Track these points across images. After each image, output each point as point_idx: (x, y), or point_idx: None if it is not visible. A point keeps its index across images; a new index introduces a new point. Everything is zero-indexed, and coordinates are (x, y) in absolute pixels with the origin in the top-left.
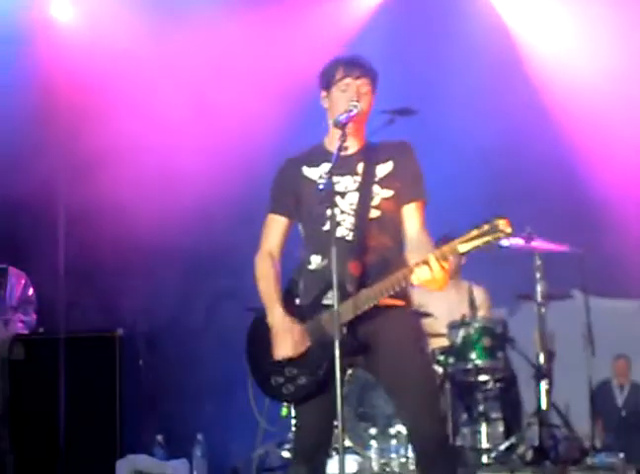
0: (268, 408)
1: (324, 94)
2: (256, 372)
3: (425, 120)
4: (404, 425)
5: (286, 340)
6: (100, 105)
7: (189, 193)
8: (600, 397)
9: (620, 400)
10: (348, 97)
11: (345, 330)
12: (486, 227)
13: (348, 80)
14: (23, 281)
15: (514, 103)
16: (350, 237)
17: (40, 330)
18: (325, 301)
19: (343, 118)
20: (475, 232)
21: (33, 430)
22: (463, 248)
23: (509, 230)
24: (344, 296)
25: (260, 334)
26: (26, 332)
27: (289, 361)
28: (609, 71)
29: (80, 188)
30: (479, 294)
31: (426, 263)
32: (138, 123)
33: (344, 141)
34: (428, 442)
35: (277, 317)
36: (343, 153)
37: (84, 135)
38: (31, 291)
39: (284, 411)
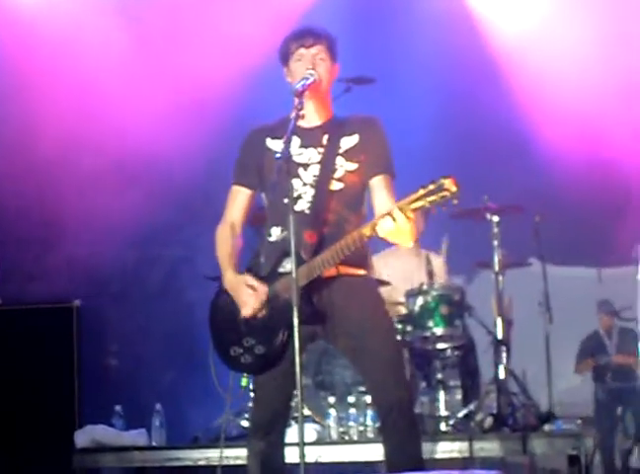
0: (231, 380)
1: (285, 70)
2: (217, 344)
3: (384, 89)
4: (368, 392)
5: (245, 295)
6: (55, 77)
7: (149, 163)
8: (590, 348)
9: (611, 347)
10: (304, 66)
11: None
12: (431, 187)
13: (301, 50)
14: None
15: (470, 70)
16: (308, 210)
17: None
18: (281, 269)
19: (299, 85)
20: (421, 192)
21: None
22: (411, 207)
23: (454, 189)
24: (298, 263)
25: (221, 304)
26: None
27: (247, 331)
28: (566, 38)
29: (36, 156)
30: (437, 263)
31: (389, 214)
32: (105, 93)
33: (300, 109)
34: (392, 409)
35: (228, 279)
36: (308, 125)
37: (41, 104)
38: None
39: (244, 381)
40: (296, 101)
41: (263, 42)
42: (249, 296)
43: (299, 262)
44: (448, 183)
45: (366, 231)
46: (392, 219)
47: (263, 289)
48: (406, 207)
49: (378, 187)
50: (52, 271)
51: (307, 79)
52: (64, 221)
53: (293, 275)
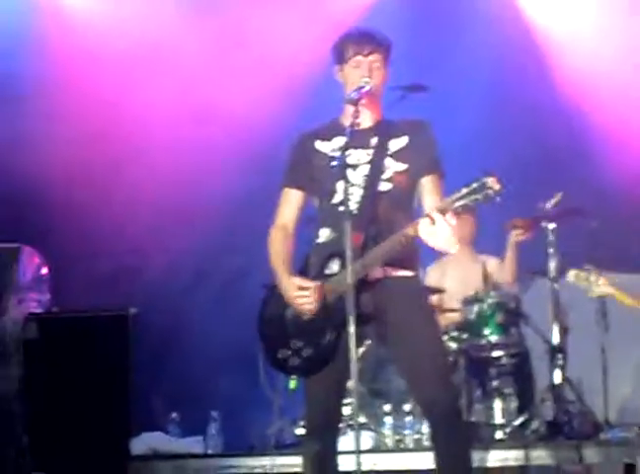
0: (283, 384)
1: (337, 68)
2: (265, 348)
3: (434, 91)
4: (415, 397)
5: (298, 299)
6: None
7: (204, 175)
8: None
9: None
10: (360, 74)
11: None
12: (475, 185)
13: (359, 57)
14: (36, 261)
15: (524, 71)
16: (356, 211)
17: (54, 309)
18: (327, 271)
19: (354, 94)
20: (465, 190)
21: (46, 408)
22: (454, 206)
23: (497, 187)
24: (344, 266)
25: (268, 309)
26: (39, 311)
27: (294, 333)
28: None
29: (90, 169)
30: (492, 264)
31: (427, 215)
32: (150, 109)
33: (356, 118)
34: (440, 414)
35: (284, 282)
36: (357, 127)
37: (92, 122)
38: (45, 270)
39: (292, 384)
40: (352, 109)
41: (315, 51)
42: (302, 299)
43: (345, 264)
44: (492, 181)
45: (409, 231)
46: (431, 221)
47: (314, 287)
48: (449, 206)
49: (427, 187)
50: (105, 280)
51: (363, 88)
52: (121, 229)
53: (349, 280)
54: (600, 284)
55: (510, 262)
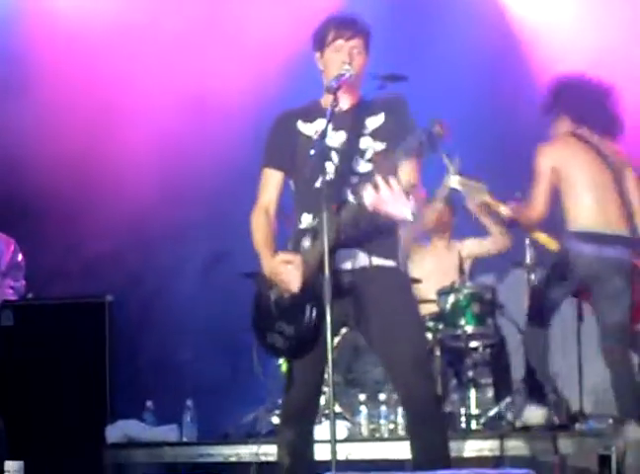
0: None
1: (318, 55)
2: (256, 332)
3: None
4: (394, 385)
5: (284, 273)
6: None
7: (181, 160)
8: None
9: None
10: (340, 58)
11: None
12: (420, 132)
13: (340, 41)
14: (12, 247)
15: (502, 68)
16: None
17: (29, 296)
18: (300, 248)
19: (334, 82)
20: (411, 138)
21: (22, 395)
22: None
23: (442, 132)
24: (315, 238)
25: (259, 293)
26: (15, 298)
27: (278, 314)
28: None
29: (68, 156)
30: (472, 244)
31: (372, 183)
32: (131, 97)
33: (335, 106)
34: (418, 402)
35: (267, 261)
36: (337, 110)
37: (68, 107)
38: (20, 257)
39: (284, 366)
40: (331, 98)
41: (290, 37)
42: (289, 272)
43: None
44: (437, 126)
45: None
46: (374, 188)
47: (298, 258)
48: (400, 159)
49: (404, 166)
50: (84, 265)
51: (343, 75)
52: (97, 215)
53: (326, 276)
54: (480, 193)
55: (494, 236)
